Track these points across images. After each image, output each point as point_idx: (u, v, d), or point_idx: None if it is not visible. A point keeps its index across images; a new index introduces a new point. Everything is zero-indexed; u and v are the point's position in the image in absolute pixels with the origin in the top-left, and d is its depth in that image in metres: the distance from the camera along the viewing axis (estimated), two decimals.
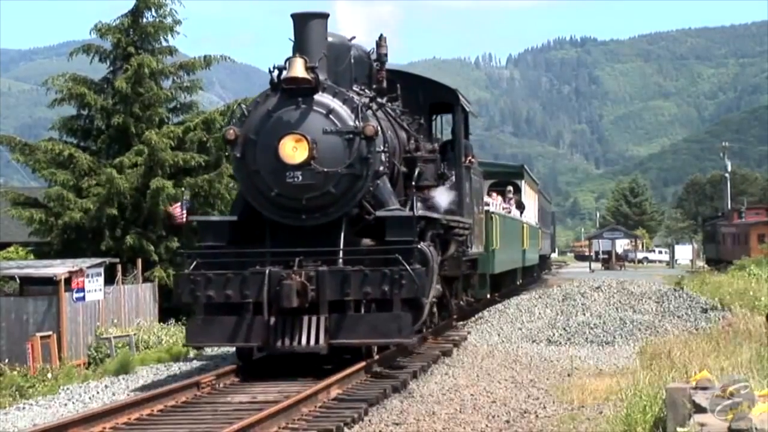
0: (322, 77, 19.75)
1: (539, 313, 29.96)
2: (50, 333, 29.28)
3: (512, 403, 16.88)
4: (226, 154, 19.46)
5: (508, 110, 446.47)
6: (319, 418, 15.23)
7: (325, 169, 19.29)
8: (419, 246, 19.50)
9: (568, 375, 20.38)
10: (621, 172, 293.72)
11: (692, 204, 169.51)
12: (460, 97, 26.51)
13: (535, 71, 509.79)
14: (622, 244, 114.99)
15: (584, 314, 29.55)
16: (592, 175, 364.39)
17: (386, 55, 23.60)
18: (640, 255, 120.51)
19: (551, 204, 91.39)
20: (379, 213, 19.90)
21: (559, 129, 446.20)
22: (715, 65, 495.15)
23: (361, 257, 19.34)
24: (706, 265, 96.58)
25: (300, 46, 19.78)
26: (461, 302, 28.68)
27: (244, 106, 20.30)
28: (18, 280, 32.38)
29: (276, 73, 19.56)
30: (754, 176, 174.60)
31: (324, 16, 20.34)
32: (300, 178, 19.18)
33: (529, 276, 54.06)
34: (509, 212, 39.56)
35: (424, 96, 26.43)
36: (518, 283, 45.83)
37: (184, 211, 20.07)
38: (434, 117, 28.00)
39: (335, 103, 19.70)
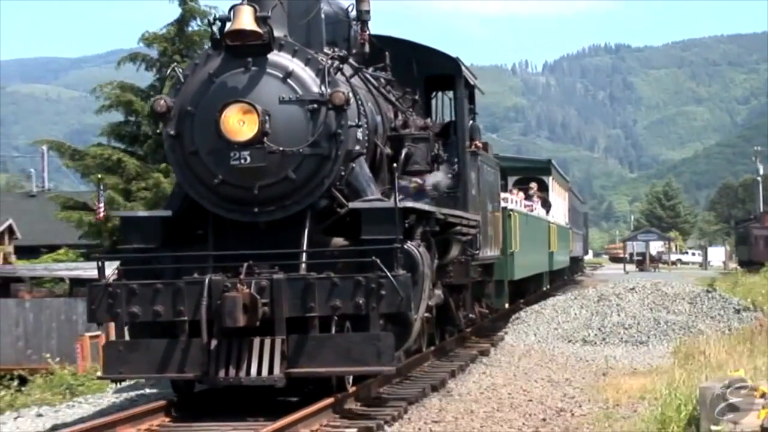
0: (279, 33, 15.01)
1: (575, 314, 29.51)
2: (99, 333, 29.38)
3: (548, 401, 16.61)
4: (158, 131, 14.27)
5: (544, 116, 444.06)
6: None
7: (283, 149, 14.48)
8: (405, 246, 14.65)
9: (603, 374, 20.29)
10: (655, 175, 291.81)
11: (725, 207, 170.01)
12: (463, 67, 21.44)
13: (571, 77, 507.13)
14: (656, 247, 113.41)
15: (619, 315, 29.25)
16: (626, 178, 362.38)
17: (368, 12, 18.38)
18: (673, 257, 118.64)
19: (585, 204, 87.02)
20: (353, 204, 15.05)
21: (593, 134, 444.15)
22: (747, 71, 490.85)
23: (330, 261, 14.46)
24: (738, 267, 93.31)
25: None
26: (471, 315, 23.48)
27: (180, 69, 15.31)
28: (68, 281, 34.58)
29: (218, 26, 14.72)
30: None
31: None
32: (248, 159, 14.33)
33: (559, 279, 49.10)
34: (532, 210, 34.58)
35: (419, 67, 21.15)
36: (545, 288, 40.16)
37: (101, 204, 15.04)
38: (433, 95, 22.78)
39: (295, 65, 14.84)
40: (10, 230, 60.59)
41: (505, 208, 27.51)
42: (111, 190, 38.94)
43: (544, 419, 15.00)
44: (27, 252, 57.97)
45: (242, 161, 14.35)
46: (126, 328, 14.74)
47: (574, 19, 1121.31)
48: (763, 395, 11.49)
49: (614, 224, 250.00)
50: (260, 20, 14.42)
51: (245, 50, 14.66)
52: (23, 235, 59.68)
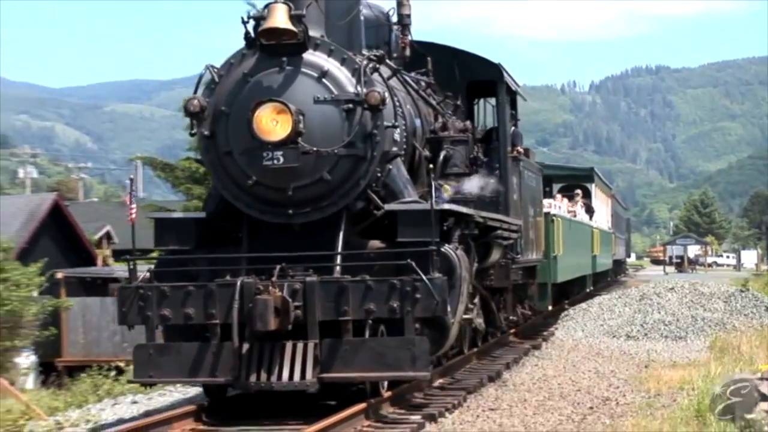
0: (315, 33, 13.28)
1: (619, 312, 29.17)
2: None
3: (595, 391, 16.48)
4: (192, 132, 12.50)
5: (591, 131, 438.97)
6: None
7: (317, 149, 12.80)
8: (442, 249, 12.87)
9: (645, 366, 19.92)
10: (692, 185, 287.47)
11: (756, 214, 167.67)
12: (505, 72, 19.40)
13: (615, 96, 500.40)
14: (693, 250, 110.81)
15: (659, 312, 29.09)
16: (666, 188, 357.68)
17: (409, 16, 16.89)
18: (709, 259, 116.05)
19: (627, 210, 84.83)
20: (389, 206, 13.29)
21: (636, 147, 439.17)
22: None
23: (365, 264, 12.75)
24: None
25: None
26: (513, 317, 21.77)
27: (214, 69, 13.57)
28: None
29: (252, 25, 13.07)
30: None
31: None
32: (281, 160, 12.64)
33: (603, 281, 46.58)
34: (575, 216, 32.56)
35: (462, 72, 19.04)
36: (589, 289, 37.97)
37: (133, 205, 13.35)
38: (476, 101, 20.63)
39: (330, 64, 13.14)
40: (108, 236, 60.57)
41: (547, 213, 25.67)
42: (197, 199, 37.88)
43: (591, 407, 14.85)
44: (123, 255, 56.43)
45: (275, 161, 12.69)
46: (161, 330, 13.23)
47: (618, 43, 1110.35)
48: None
49: (655, 230, 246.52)
50: (295, 18, 12.78)
51: (280, 49, 13.01)
52: (120, 240, 58.96)
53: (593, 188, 38.59)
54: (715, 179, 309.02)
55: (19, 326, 28.61)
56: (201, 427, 12.37)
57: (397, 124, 13.66)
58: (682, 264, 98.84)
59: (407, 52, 16.74)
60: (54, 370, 30.58)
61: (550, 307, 28.38)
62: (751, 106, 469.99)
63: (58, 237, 43.81)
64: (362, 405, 12.24)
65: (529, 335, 23.90)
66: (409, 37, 16.97)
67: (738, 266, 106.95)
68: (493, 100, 20.07)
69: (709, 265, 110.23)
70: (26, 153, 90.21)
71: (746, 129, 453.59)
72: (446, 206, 13.46)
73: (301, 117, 12.65)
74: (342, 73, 13.14)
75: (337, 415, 11.71)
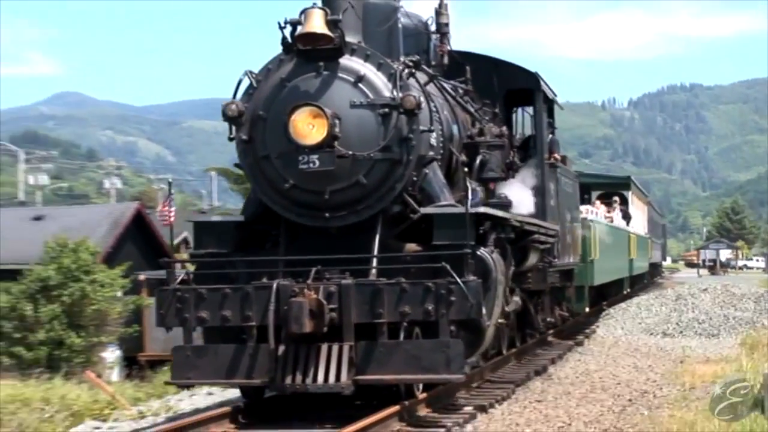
0: (353, 39, 12.24)
1: (656, 311, 29.26)
2: None
3: (634, 384, 16.38)
4: (231, 137, 11.47)
5: (629, 145, 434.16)
6: None
7: (353, 153, 11.74)
8: (478, 252, 11.81)
9: (681, 362, 19.89)
10: (723, 194, 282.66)
11: None
12: (542, 81, 18.12)
13: (652, 112, 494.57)
14: (725, 254, 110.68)
15: (693, 311, 29.12)
16: (699, 197, 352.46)
17: (447, 25, 15.71)
18: (740, 263, 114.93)
19: (663, 217, 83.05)
20: (425, 210, 12.20)
21: (671, 159, 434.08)
22: None
23: (401, 267, 11.64)
24: None
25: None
26: (550, 318, 20.50)
27: (253, 75, 12.52)
28: None
29: (289, 30, 11.96)
30: None
31: None
32: (317, 163, 11.58)
33: (640, 283, 44.83)
34: (612, 221, 31.39)
35: (500, 81, 17.68)
36: (626, 291, 36.93)
37: (172, 209, 12.35)
38: (514, 110, 19.30)
39: (367, 69, 12.04)
40: (185, 241, 60.50)
41: (585, 219, 24.41)
42: None
43: (630, 399, 14.73)
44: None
45: (311, 165, 11.66)
46: (200, 332, 12.29)
47: (655, 62, 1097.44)
48: None
49: (689, 235, 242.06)
50: (331, 24, 11.76)
51: (317, 54, 11.94)
52: None
53: (630, 196, 37.42)
54: (745, 188, 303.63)
55: (105, 324, 28.38)
56: (234, 429, 11.42)
57: (432, 128, 12.54)
58: (714, 267, 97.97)
59: (445, 60, 15.64)
60: (137, 364, 30.06)
61: (587, 309, 27.22)
62: None
63: (140, 242, 43.12)
64: (396, 407, 11.19)
65: (569, 334, 23.05)
66: (447, 46, 15.87)
67: (767, 269, 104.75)
68: (530, 109, 18.83)
69: (740, 268, 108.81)
70: (111, 165, 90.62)
71: None
72: (482, 210, 12.37)
73: (336, 121, 11.62)
74: (378, 78, 12.09)
75: (371, 418, 10.71)
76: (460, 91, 15.84)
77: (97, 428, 14.46)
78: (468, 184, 12.29)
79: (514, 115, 19.32)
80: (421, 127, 12.15)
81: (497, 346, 15.61)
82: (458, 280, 11.09)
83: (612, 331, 25.62)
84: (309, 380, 11.08)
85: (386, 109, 11.91)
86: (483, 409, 12.34)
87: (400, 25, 13.80)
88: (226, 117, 12.20)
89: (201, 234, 12.94)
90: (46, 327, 26.39)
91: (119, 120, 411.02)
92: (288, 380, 11.14)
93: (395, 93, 11.91)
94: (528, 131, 19.17)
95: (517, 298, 15.50)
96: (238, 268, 12.14)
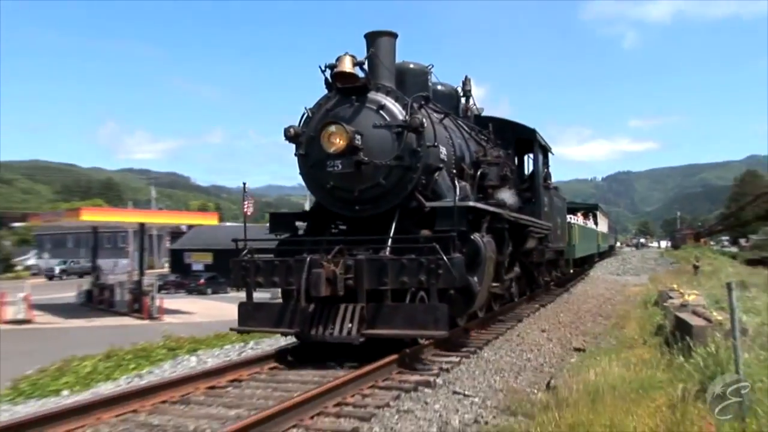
0: (387, 83, 9.88)
1: (612, 265, 36.79)
2: None
3: (606, 295, 19.34)
4: (296, 153, 9.30)
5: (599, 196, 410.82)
6: None
7: (372, 161, 9.32)
8: (471, 236, 9.32)
9: (623, 286, 23.23)
10: (641, 217, 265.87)
11: None
12: (537, 134, 15.73)
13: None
14: (642, 241, 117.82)
15: (629, 265, 37.49)
16: (630, 217, 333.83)
17: (470, 91, 13.92)
18: (650, 244, 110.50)
19: (615, 224, 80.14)
20: (430, 204, 9.60)
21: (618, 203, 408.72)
22: None
23: (413, 246, 8.98)
24: None
25: (369, 62, 9.92)
26: (546, 278, 18.40)
27: (308, 108, 10.15)
28: None
29: (328, 73, 9.64)
30: None
31: (392, 35, 10.16)
32: (339, 167, 9.25)
33: (606, 255, 45.83)
34: (586, 224, 30.71)
35: (511, 133, 15.45)
36: (596, 260, 37.97)
37: (247, 202, 10.18)
38: (524, 156, 16.58)
39: (387, 100, 9.58)
40: None
41: (569, 222, 22.54)
42: None
43: (603, 301, 17.77)
44: None
45: (336, 168, 9.29)
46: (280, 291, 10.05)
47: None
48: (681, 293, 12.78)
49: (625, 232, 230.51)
50: (358, 65, 9.49)
51: (352, 91, 9.59)
52: None
53: (598, 213, 37.95)
54: (652, 214, 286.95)
55: None
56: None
57: (437, 143, 9.83)
58: (638, 246, 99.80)
59: (469, 113, 13.78)
60: None
61: (571, 271, 25.49)
62: None
63: None
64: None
65: (565, 282, 22.62)
66: (471, 103, 14.06)
67: (659, 247, 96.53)
68: (532, 154, 16.34)
69: (648, 246, 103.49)
70: None
71: None
72: (470, 203, 9.63)
73: (357, 136, 9.12)
74: (395, 107, 9.54)
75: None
76: (476, 129, 13.45)
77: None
78: (455, 183, 9.80)
79: (525, 158, 16.56)
80: (427, 143, 9.62)
81: (509, 296, 13.53)
82: (444, 257, 8.60)
83: (592, 273, 30.03)
84: (328, 332, 8.63)
85: (399, 129, 9.40)
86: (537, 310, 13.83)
87: (430, 83, 11.59)
88: (287, 137, 9.90)
89: (273, 223, 10.74)
90: None
91: None
92: (313, 332, 8.70)
93: (407, 117, 9.52)
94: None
95: (517, 269, 13.11)
96: (298, 246, 9.83)
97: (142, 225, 30.46)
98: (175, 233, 67.47)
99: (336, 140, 9.05)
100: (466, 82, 13.87)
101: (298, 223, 10.83)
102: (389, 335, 8.53)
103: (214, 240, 50.73)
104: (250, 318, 9.25)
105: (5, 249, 70.22)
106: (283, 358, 9.29)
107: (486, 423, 6.23)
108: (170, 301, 31.16)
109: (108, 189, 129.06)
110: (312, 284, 8.49)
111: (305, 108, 10.12)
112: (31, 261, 70.67)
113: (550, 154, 17.09)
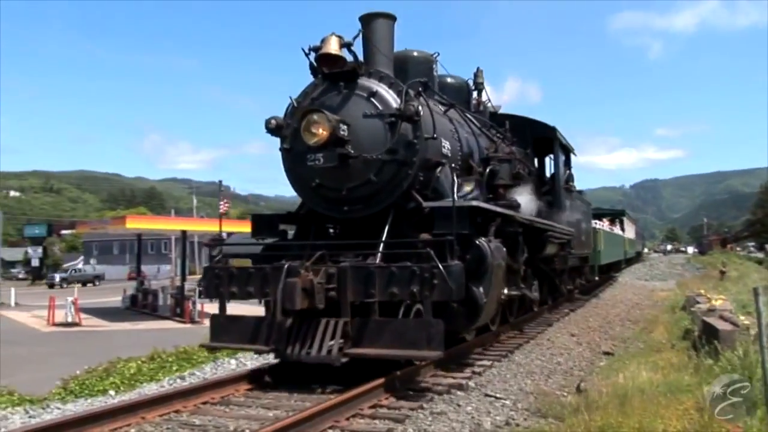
0: (386, 70, 8.13)
1: (640, 270, 34.58)
2: None
3: (633, 300, 18.15)
4: (279, 148, 7.46)
5: (626, 203, 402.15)
6: None
7: (360, 154, 7.56)
8: (476, 241, 7.50)
9: (651, 291, 21.86)
10: (668, 223, 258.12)
11: None
12: (558, 132, 13.74)
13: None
14: (669, 247, 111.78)
15: (656, 270, 34.74)
16: (657, 224, 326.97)
17: (482, 83, 11.95)
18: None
19: (642, 230, 75.25)
20: (428, 204, 7.80)
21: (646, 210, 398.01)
22: None
23: (408, 252, 7.14)
24: None
25: (365, 47, 8.23)
26: (569, 286, 15.92)
27: (293, 97, 8.36)
28: None
29: (313, 56, 7.84)
30: None
31: (390, 17, 8.38)
32: (321, 161, 7.53)
33: (634, 263, 42.16)
34: (612, 230, 27.89)
35: (530, 132, 13.58)
36: (623, 267, 34.62)
37: (222, 201, 8.34)
38: (545, 158, 14.63)
39: (379, 87, 7.83)
40: None
41: (595, 228, 20.21)
42: None
43: (631, 306, 16.64)
44: None
45: (317, 162, 7.55)
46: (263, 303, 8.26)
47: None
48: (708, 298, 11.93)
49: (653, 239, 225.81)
50: (345, 46, 7.67)
51: (340, 77, 7.86)
52: None
53: (625, 220, 35.38)
54: (680, 221, 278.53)
55: None
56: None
57: (436, 135, 8.11)
58: (665, 252, 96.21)
59: (481, 107, 11.90)
60: None
61: (596, 278, 23.20)
62: None
63: None
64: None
65: (590, 288, 21.06)
66: (484, 97, 12.16)
67: (686, 254, 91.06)
68: (552, 155, 14.33)
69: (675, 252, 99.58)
70: None
71: None
72: (474, 203, 7.79)
73: (343, 126, 7.44)
74: (389, 94, 7.83)
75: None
76: (487, 123, 11.55)
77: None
78: (455, 179, 7.84)
79: (547, 160, 14.64)
80: (425, 135, 7.81)
81: (530, 307, 11.75)
82: (439, 265, 6.72)
83: (620, 278, 28.62)
84: (304, 351, 6.87)
85: (393, 119, 7.66)
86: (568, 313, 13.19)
87: (436, 73, 9.83)
88: (267, 129, 8.16)
89: (256, 225, 8.93)
90: None
91: None
92: (289, 350, 6.95)
93: (401, 105, 7.69)
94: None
95: (535, 282, 11.30)
96: (288, 250, 8.03)
97: (184, 232, 29.11)
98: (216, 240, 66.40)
99: (317, 130, 7.21)
100: (478, 74, 12.01)
101: (287, 226, 8.92)
102: (375, 356, 6.78)
103: (254, 246, 50.08)
104: (224, 332, 7.58)
105: (56, 255, 69.60)
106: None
107: (517, 425, 5.86)
108: (210, 306, 29.64)
109: (151, 198, 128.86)
110: (286, 295, 6.58)
111: (290, 98, 8.25)
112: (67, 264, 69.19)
113: (572, 155, 15.19)
